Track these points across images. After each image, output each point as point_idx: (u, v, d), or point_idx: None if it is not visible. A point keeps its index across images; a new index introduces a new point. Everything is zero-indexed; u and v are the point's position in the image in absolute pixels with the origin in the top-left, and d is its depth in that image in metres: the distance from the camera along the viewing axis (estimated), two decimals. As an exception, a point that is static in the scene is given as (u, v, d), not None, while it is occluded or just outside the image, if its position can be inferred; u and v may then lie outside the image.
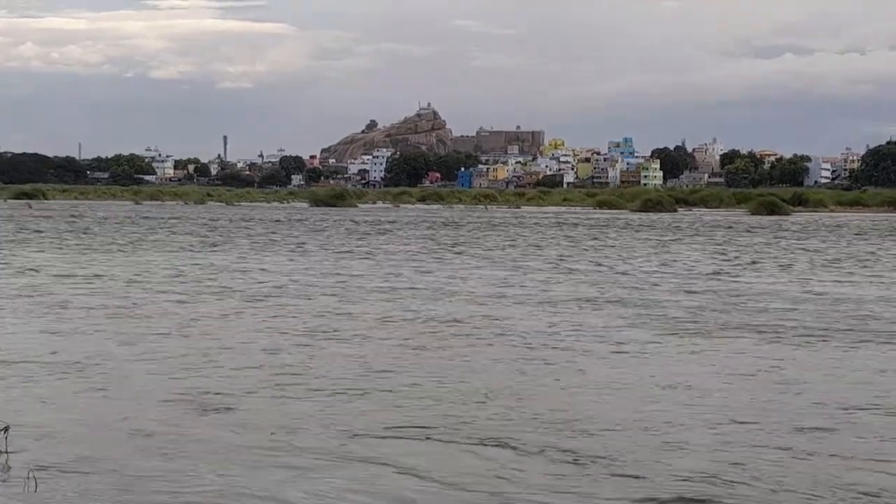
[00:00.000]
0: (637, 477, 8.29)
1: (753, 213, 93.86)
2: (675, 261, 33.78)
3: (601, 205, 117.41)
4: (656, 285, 24.75)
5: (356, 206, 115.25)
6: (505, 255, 36.51)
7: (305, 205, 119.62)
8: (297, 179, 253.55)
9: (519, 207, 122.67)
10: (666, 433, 9.72)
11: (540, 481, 8.17)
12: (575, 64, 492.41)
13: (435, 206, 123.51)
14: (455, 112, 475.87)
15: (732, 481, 8.20)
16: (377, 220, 75.36)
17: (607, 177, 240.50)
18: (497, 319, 17.90)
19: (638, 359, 14.04)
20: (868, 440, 9.56)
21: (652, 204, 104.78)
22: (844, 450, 9.18)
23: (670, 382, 12.26)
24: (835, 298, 21.69)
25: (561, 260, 34.05)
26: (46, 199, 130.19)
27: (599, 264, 32.01)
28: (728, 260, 34.32)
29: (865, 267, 31.47)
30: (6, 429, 8.89)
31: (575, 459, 8.79)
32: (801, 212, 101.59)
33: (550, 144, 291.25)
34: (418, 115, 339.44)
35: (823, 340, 15.64)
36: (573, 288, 23.93)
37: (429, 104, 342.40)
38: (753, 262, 32.95)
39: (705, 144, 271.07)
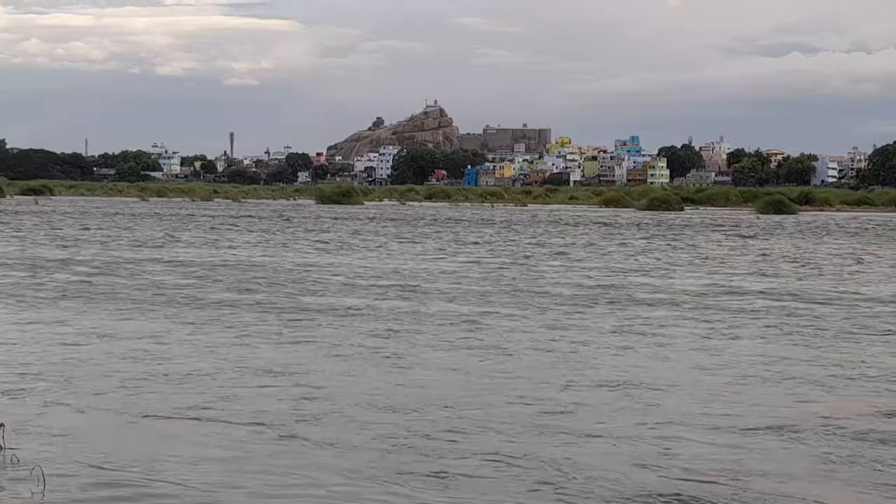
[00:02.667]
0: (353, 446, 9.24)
1: (760, 212, 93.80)
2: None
3: (608, 203, 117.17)
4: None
5: (363, 204, 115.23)
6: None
7: (312, 202, 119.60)
8: (303, 176, 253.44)
9: (525, 205, 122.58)
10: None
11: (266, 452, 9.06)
12: (580, 62, 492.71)
13: (442, 204, 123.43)
14: (461, 110, 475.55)
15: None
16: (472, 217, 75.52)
17: (614, 175, 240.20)
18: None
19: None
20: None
21: (658, 202, 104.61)
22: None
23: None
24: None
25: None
26: (53, 195, 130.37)
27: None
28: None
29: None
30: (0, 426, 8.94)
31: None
32: (808, 210, 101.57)
33: (557, 142, 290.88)
34: (425, 112, 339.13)
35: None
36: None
37: (435, 101, 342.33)
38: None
39: (712, 143, 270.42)
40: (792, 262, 33.76)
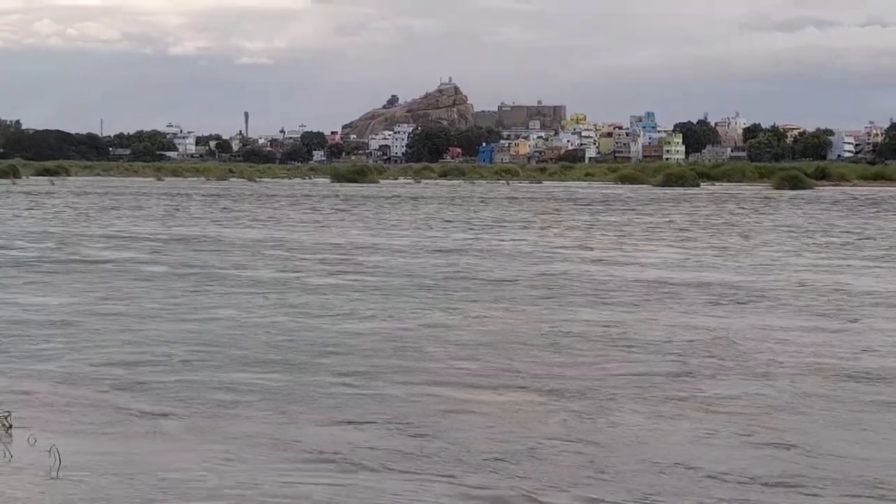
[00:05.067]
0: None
1: (776, 188, 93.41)
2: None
3: (623, 179, 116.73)
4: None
5: (377, 182, 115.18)
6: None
7: (327, 180, 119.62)
8: (318, 155, 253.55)
9: (541, 182, 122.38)
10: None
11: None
12: (594, 38, 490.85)
13: (457, 182, 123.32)
14: (476, 87, 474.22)
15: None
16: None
17: (629, 151, 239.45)
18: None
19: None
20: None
21: (675, 178, 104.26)
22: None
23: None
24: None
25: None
26: (69, 175, 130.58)
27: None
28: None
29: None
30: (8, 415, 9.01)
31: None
32: (824, 185, 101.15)
33: (572, 119, 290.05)
34: (439, 90, 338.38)
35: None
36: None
37: (450, 79, 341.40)
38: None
39: (728, 118, 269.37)
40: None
